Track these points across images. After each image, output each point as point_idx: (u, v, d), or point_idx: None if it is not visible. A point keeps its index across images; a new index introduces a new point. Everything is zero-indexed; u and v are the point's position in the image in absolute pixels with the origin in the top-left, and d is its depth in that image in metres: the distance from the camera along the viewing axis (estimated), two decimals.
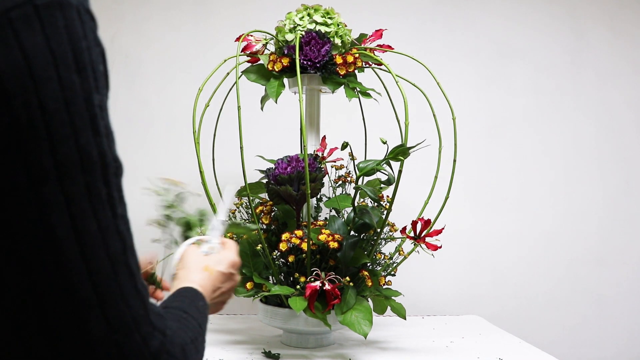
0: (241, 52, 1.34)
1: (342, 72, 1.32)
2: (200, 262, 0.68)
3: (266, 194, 1.33)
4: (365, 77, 1.49)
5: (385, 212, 1.31)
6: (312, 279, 1.21)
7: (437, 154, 1.41)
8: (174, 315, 0.53)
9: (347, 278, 1.24)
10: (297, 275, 1.24)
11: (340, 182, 1.45)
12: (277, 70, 1.31)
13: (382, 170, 1.19)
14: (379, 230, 1.28)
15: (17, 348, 0.40)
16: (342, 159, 1.46)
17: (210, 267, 0.69)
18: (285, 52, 1.33)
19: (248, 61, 1.39)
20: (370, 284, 1.27)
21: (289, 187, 1.25)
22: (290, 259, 1.25)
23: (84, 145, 0.39)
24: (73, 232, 0.38)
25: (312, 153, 1.38)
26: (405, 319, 1.34)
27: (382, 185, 1.32)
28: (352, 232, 1.29)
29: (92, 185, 0.39)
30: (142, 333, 0.41)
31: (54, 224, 0.37)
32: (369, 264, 1.33)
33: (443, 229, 1.28)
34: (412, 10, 1.90)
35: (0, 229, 0.38)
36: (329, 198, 1.42)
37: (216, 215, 0.83)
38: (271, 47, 1.39)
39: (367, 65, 1.41)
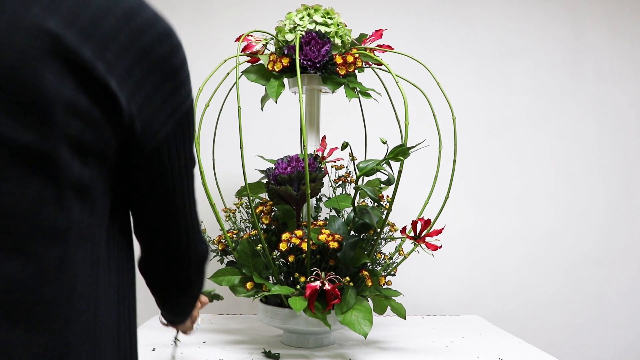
0: (241, 52, 1.34)
1: (342, 72, 1.32)
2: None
3: (266, 194, 1.33)
4: (365, 77, 1.49)
5: (385, 212, 1.31)
6: (312, 279, 1.21)
7: (437, 154, 1.41)
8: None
9: (347, 278, 1.24)
10: (297, 275, 1.24)
11: (340, 182, 1.45)
12: (277, 70, 1.31)
13: (382, 170, 1.19)
14: (379, 230, 1.28)
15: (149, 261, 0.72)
16: (342, 159, 1.46)
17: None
18: (285, 52, 1.33)
19: (248, 61, 1.39)
20: (370, 284, 1.27)
21: (289, 187, 1.25)
22: (290, 259, 1.25)
23: (192, 165, 0.67)
24: (187, 199, 0.68)
25: (312, 153, 1.38)
26: (405, 319, 1.34)
27: (382, 185, 1.32)
28: (352, 232, 1.29)
29: (192, 179, 0.67)
30: (203, 243, 0.73)
31: (177, 195, 0.65)
32: (369, 264, 1.33)
33: (443, 229, 1.28)
34: (412, 10, 1.90)
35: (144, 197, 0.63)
36: (329, 198, 1.42)
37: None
38: (271, 47, 1.39)
39: (367, 65, 1.41)
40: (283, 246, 1.25)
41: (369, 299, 1.33)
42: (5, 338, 0.48)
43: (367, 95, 1.34)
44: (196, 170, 1.24)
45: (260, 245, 1.26)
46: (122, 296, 0.62)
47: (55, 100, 0.47)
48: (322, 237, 1.23)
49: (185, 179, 0.65)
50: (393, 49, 1.37)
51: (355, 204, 1.31)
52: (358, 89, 1.34)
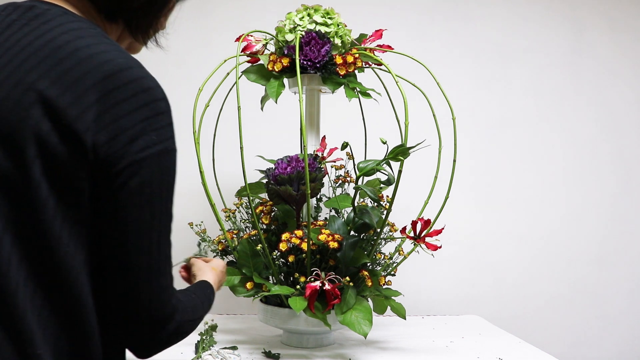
0: (241, 52, 1.34)
1: (342, 72, 1.32)
2: (207, 266, 1.03)
3: (266, 194, 1.33)
4: (365, 77, 1.49)
5: (385, 212, 1.31)
6: (312, 279, 1.21)
7: (437, 154, 1.41)
8: (186, 293, 0.85)
9: (347, 278, 1.24)
10: (297, 275, 1.24)
11: (340, 182, 1.45)
12: (277, 70, 1.31)
13: (382, 170, 1.19)
14: (379, 230, 1.28)
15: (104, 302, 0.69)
16: (342, 159, 1.46)
17: (214, 267, 1.02)
18: (285, 52, 1.33)
19: (248, 61, 1.39)
20: (370, 284, 1.27)
21: (289, 187, 1.25)
22: (290, 259, 1.25)
23: (170, 220, 0.72)
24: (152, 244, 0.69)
25: (312, 153, 1.38)
26: (405, 319, 1.34)
27: (382, 185, 1.32)
28: (352, 232, 1.29)
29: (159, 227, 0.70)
30: (168, 306, 0.72)
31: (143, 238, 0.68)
32: (369, 264, 1.33)
33: (443, 229, 1.28)
34: (412, 10, 1.90)
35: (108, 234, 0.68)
36: (329, 198, 1.42)
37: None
38: (271, 47, 1.39)
39: (367, 65, 1.41)
40: (283, 246, 1.25)
41: (369, 299, 1.33)
42: None
43: (367, 95, 1.34)
44: (196, 170, 1.25)
45: (260, 245, 1.26)
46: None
47: (31, 137, 0.62)
48: (322, 237, 1.23)
49: (148, 218, 0.67)
50: (393, 49, 1.38)
51: (355, 204, 1.31)
52: (358, 89, 1.34)
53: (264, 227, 1.36)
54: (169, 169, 0.70)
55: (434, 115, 1.38)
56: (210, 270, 1.01)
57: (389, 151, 1.19)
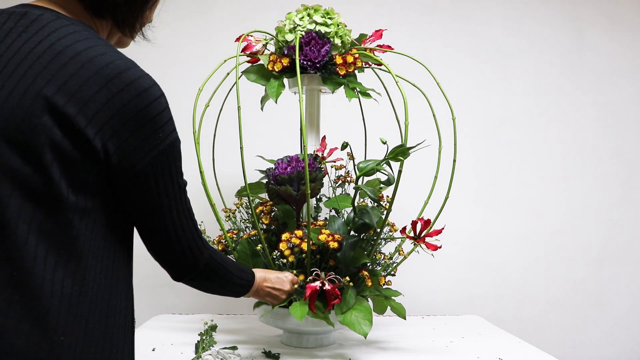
0: (241, 52, 1.34)
1: (342, 72, 1.32)
2: (270, 272, 1.20)
3: (266, 194, 1.33)
4: (365, 77, 1.49)
5: (385, 212, 1.31)
6: (312, 279, 1.21)
7: (437, 154, 1.41)
8: (222, 257, 0.97)
9: (347, 278, 1.24)
10: (295, 272, 1.24)
11: (340, 182, 1.45)
12: (277, 70, 1.31)
13: (382, 170, 1.19)
14: (379, 230, 1.28)
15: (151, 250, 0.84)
16: (342, 159, 1.46)
17: (279, 276, 1.20)
18: (285, 52, 1.33)
19: (248, 61, 1.39)
20: (370, 284, 1.27)
21: (289, 187, 1.25)
22: (291, 258, 1.25)
23: (183, 190, 0.82)
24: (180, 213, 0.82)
25: (312, 153, 1.38)
26: (405, 319, 1.34)
27: (382, 185, 1.32)
28: (352, 232, 1.29)
29: (180, 199, 0.82)
30: (200, 247, 0.87)
31: (172, 210, 0.81)
32: (369, 264, 1.33)
33: (443, 229, 1.28)
34: (412, 10, 1.90)
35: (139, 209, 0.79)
36: (329, 198, 1.42)
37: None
38: (271, 47, 1.39)
39: (367, 66, 1.41)
40: (283, 246, 1.25)
41: (369, 299, 1.33)
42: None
43: (367, 95, 1.34)
44: (196, 170, 1.25)
45: (260, 246, 1.26)
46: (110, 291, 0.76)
47: (46, 144, 0.67)
48: (322, 237, 1.23)
49: (169, 199, 0.79)
50: (393, 49, 1.38)
51: (355, 204, 1.31)
52: (358, 89, 1.34)
53: (264, 227, 1.36)
54: (177, 156, 0.79)
55: (434, 115, 1.38)
56: (269, 274, 1.17)
57: (389, 151, 1.19)
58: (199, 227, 0.88)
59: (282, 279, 1.19)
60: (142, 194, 0.76)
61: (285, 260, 1.25)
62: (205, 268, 0.90)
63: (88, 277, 0.72)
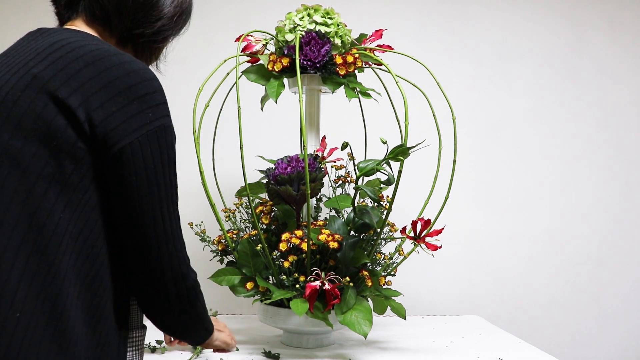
0: (241, 52, 1.34)
1: (342, 72, 1.32)
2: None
3: (266, 194, 1.33)
4: (365, 77, 1.49)
5: (385, 212, 1.31)
6: (312, 279, 1.21)
7: (437, 154, 1.41)
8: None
9: (347, 278, 1.24)
10: (296, 275, 1.24)
11: (340, 182, 1.45)
12: (277, 70, 1.31)
13: (382, 170, 1.19)
14: (379, 230, 1.28)
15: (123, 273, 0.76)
16: (342, 159, 1.46)
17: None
18: (285, 52, 1.33)
19: (248, 61, 1.39)
20: (370, 284, 1.27)
21: (289, 187, 1.25)
22: (291, 258, 1.25)
23: (175, 187, 0.78)
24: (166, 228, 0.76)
25: (312, 153, 1.38)
26: (405, 319, 1.34)
27: (382, 185, 1.32)
28: (352, 232, 1.29)
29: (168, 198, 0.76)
30: (188, 265, 0.80)
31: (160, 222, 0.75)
32: (369, 264, 1.33)
33: (443, 229, 1.28)
34: (412, 10, 1.90)
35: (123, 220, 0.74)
36: (329, 198, 1.42)
37: None
38: (271, 47, 1.39)
39: (367, 65, 1.41)
40: (283, 246, 1.25)
41: (369, 299, 1.33)
42: None
43: (367, 95, 1.34)
44: (196, 170, 1.25)
45: (260, 246, 1.26)
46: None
47: (38, 119, 0.68)
48: (322, 237, 1.23)
49: (159, 190, 0.74)
50: (393, 49, 1.37)
51: (355, 204, 1.31)
52: (358, 89, 1.34)
53: (264, 227, 1.36)
54: (168, 144, 0.75)
55: (434, 115, 1.38)
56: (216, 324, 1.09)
57: (389, 151, 1.19)
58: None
59: (224, 331, 1.12)
60: (129, 181, 0.71)
61: (285, 262, 1.25)
62: (188, 293, 0.80)
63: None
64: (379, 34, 1.39)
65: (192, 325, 0.86)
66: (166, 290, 0.77)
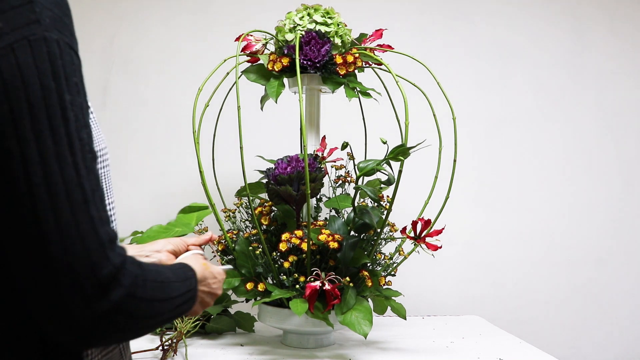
0: (241, 52, 1.33)
1: (342, 72, 1.32)
2: (199, 260, 0.76)
3: (266, 194, 1.33)
4: (365, 77, 1.49)
5: (385, 212, 1.31)
6: (312, 279, 1.21)
7: (437, 154, 1.41)
8: (152, 267, 0.58)
9: (347, 278, 1.23)
10: (296, 275, 1.24)
11: (340, 182, 1.45)
12: (277, 70, 1.31)
13: (382, 170, 1.19)
14: (379, 230, 1.27)
15: None
16: (342, 159, 1.45)
17: (207, 264, 0.74)
18: (285, 52, 1.33)
19: (248, 61, 1.38)
20: (370, 284, 1.27)
21: (289, 187, 1.25)
22: (291, 258, 1.25)
23: (68, 133, 0.51)
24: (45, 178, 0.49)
25: (312, 153, 1.38)
26: (405, 319, 1.34)
27: (382, 185, 1.32)
28: (352, 232, 1.29)
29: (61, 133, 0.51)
30: (93, 261, 0.49)
31: (31, 173, 0.48)
32: (369, 264, 1.33)
33: (443, 229, 1.28)
34: (412, 10, 1.90)
35: None
36: (329, 198, 1.42)
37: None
38: (271, 47, 1.39)
39: (367, 65, 1.41)
40: (283, 246, 1.25)
41: (369, 299, 1.32)
42: None
43: (367, 95, 1.34)
44: (196, 170, 1.25)
45: (260, 248, 1.26)
46: None
47: None
48: (322, 237, 1.23)
49: (33, 138, 0.48)
50: (393, 48, 1.37)
51: (355, 204, 1.30)
52: (358, 89, 1.34)
53: (264, 227, 1.36)
54: (47, 66, 0.51)
55: (434, 115, 1.38)
56: (198, 261, 0.73)
57: (389, 151, 1.19)
58: (109, 213, 0.56)
59: (218, 279, 0.76)
60: None
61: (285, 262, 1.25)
62: (132, 282, 0.51)
63: None
64: (379, 33, 1.39)
65: (145, 329, 0.56)
66: (68, 292, 0.48)
